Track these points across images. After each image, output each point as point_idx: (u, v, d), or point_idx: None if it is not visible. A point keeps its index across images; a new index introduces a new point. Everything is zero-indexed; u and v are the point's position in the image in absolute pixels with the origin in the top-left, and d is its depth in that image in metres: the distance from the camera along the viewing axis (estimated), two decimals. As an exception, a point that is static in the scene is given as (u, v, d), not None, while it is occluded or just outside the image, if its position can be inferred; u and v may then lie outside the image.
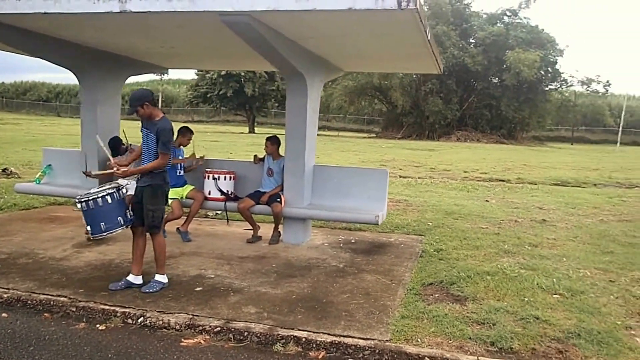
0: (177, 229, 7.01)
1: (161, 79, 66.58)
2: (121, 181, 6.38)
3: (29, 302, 4.69)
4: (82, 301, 4.64)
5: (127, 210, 4.99)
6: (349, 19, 4.86)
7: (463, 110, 47.40)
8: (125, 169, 5.06)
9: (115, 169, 5.06)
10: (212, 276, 5.44)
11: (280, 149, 7.14)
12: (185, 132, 7.17)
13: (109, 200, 4.83)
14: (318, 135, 7.49)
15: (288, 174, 6.86)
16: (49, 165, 8.42)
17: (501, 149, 34.19)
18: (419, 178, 14.68)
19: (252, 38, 5.38)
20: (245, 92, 47.67)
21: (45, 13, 5.20)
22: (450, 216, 8.81)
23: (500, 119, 47.07)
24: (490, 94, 46.69)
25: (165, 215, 6.93)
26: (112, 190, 4.87)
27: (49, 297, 4.73)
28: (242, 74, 46.43)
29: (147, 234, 5.08)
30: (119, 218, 4.88)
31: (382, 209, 6.73)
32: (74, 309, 4.56)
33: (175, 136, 7.10)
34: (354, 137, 44.20)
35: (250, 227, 7.11)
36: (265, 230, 7.12)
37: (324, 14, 4.70)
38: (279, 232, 6.99)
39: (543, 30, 46.89)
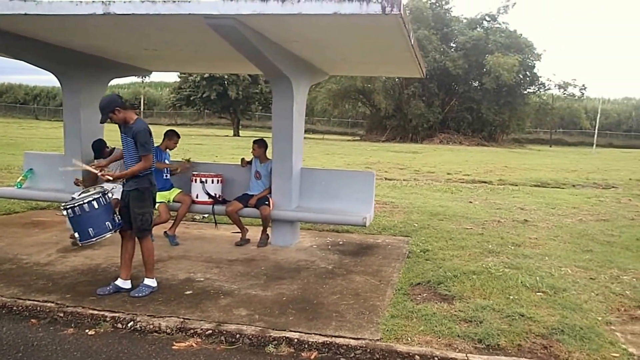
0: (165, 232, 7.00)
1: (143, 82, 66.22)
2: (106, 185, 6.39)
3: (14, 308, 4.64)
4: (69, 306, 4.62)
5: (115, 215, 4.96)
6: (334, 23, 4.92)
7: (445, 113, 47.86)
8: (110, 173, 5.04)
9: (99, 173, 5.04)
10: (202, 279, 5.45)
11: (267, 152, 7.18)
12: (172, 136, 7.17)
13: (96, 206, 4.80)
14: (303, 138, 7.53)
15: (276, 176, 6.89)
16: (31, 169, 8.33)
17: (482, 151, 34.52)
18: (404, 180, 14.79)
19: (237, 41, 5.41)
20: (229, 95, 47.58)
21: (25, 14, 5.15)
22: (436, 217, 8.91)
23: (481, 121, 47.60)
24: (471, 97, 47.23)
25: (155, 219, 6.97)
26: (98, 195, 4.84)
27: (36, 302, 4.69)
28: (226, 76, 46.36)
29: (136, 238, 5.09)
30: (107, 223, 4.85)
31: (369, 211, 6.79)
32: (61, 315, 4.54)
33: (161, 140, 7.13)
34: (339, 140, 44.32)
35: (239, 230, 7.13)
36: (254, 233, 7.14)
37: (309, 18, 4.75)
38: (267, 234, 7.02)
39: (521, 35, 47.68)
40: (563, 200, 11.34)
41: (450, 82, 47.86)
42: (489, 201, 11.06)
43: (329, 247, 6.99)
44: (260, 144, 7.14)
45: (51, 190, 7.91)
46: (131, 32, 6.07)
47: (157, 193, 6.43)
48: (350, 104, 54.45)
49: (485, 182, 14.83)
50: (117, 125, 4.96)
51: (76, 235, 4.87)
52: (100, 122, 5.04)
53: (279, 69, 6.21)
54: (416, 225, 8.31)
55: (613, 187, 14.31)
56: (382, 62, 7.35)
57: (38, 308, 4.61)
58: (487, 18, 49.67)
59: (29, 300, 4.73)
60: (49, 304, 4.66)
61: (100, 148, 7.22)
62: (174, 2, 4.78)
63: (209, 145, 27.53)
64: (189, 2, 4.80)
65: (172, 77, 64.51)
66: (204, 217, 8.58)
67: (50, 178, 8.14)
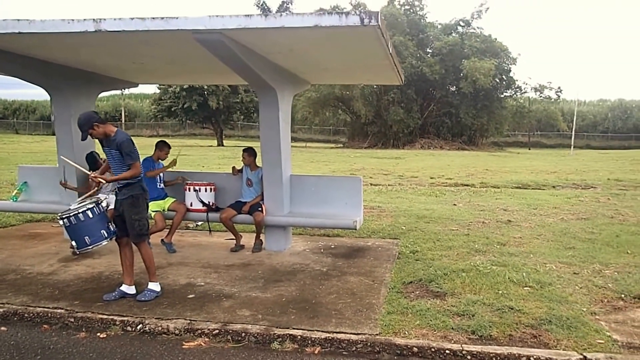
0: (162, 240, 7.18)
1: (122, 94, 65.90)
2: (100, 196, 6.58)
3: (25, 315, 4.82)
4: (79, 312, 4.80)
5: (110, 224, 5.15)
6: (315, 35, 5.14)
7: (424, 119, 48.44)
8: (102, 176, 5.24)
9: (91, 175, 5.28)
10: (202, 284, 5.65)
11: (257, 160, 7.39)
12: (163, 147, 7.35)
13: (90, 215, 5.00)
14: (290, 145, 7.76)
15: (267, 184, 7.10)
16: (25, 182, 8.46)
17: (463, 155, 35.01)
18: (389, 185, 15.08)
19: (224, 54, 5.62)
20: (210, 105, 47.59)
21: (19, 33, 5.32)
22: (422, 220, 9.19)
23: (460, 126, 48.26)
24: (449, 102, 47.86)
25: (151, 227, 7.15)
26: (92, 205, 5.04)
27: (46, 309, 4.87)
28: (205, 87, 46.44)
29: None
30: (102, 231, 5.04)
31: (358, 215, 7.04)
32: (72, 320, 4.71)
33: (152, 151, 7.32)
34: (322, 148, 44.60)
35: (233, 237, 7.33)
36: (247, 240, 7.35)
37: (291, 31, 4.99)
38: (261, 240, 7.23)
39: (496, 39, 48.30)
40: (544, 201, 11.71)
41: (427, 88, 48.43)
42: (473, 203, 11.38)
43: (322, 250, 7.21)
44: (250, 153, 7.35)
45: (47, 202, 8.08)
46: (120, 47, 6.22)
47: (152, 202, 6.70)
48: (330, 111, 54.79)
49: (467, 185, 15.18)
50: (98, 140, 5.14)
51: (73, 243, 5.06)
52: (82, 140, 5.10)
53: (264, 80, 6.42)
54: (404, 228, 8.57)
55: (592, 187, 14.74)
56: (362, 70, 7.61)
57: (49, 314, 4.78)
58: (462, 23, 50.36)
59: (39, 307, 4.90)
60: (59, 310, 4.83)
61: (94, 161, 7.37)
62: (162, 18, 4.99)
63: (195, 155, 27.62)
64: (177, 18, 5.01)
65: (151, 89, 64.43)
66: (197, 225, 8.76)
67: (44, 190, 8.30)
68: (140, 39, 5.57)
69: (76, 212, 4.98)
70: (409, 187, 14.88)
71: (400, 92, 46.44)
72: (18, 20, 5.21)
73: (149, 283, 5.25)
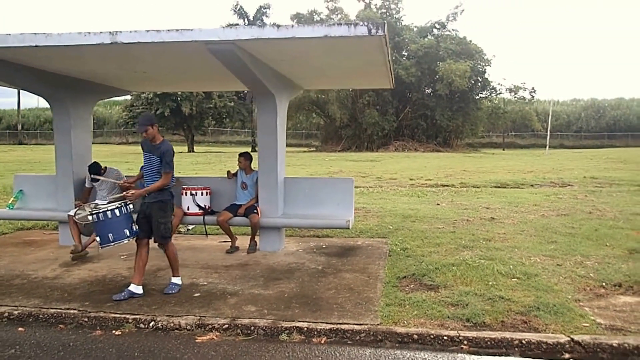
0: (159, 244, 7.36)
1: (90, 101, 65.01)
2: (100, 202, 6.89)
3: (40, 316, 5.01)
4: (92, 312, 5.00)
5: (133, 224, 5.46)
6: (323, 44, 5.46)
7: (399, 121, 48.85)
8: (134, 192, 5.54)
9: (124, 190, 5.66)
10: (205, 283, 5.88)
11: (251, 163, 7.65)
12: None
13: (117, 214, 5.36)
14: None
15: (263, 186, 7.36)
16: (21, 190, 8.58)
17: (439, 156, 35.53)
18: (369, 187, 15.40)
19: (233, 63, 5.91)
20: (183, 111, 47.39)
21: (36, 46, 5.54)
22: (408, 219, 9.51)
23: (435, 127, 48.81)
24: (425, 104, 48.35)
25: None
26: (120, 205, 5.39)
27: (59, 310, 5.07)
28: (179, 92, 46.31)
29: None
30: (125, 230, 5.40)
31: (350, 215, 7.33)
32: (86, 319, 4.91)
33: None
34: (295, 152, 44.76)
35: (226, 240, 7.58)
36: (240, 242, 7.58)
37: (301, 41, 5.30)
38: (255, 241, 7.47)
39: (471, 41, 48.92)
40: (524, 199, 12.14)
41: (403, 90, 48.87)
42: (455, 203, 11.76)
43: (314, 250, 7.47)
44: (246, 157, 7.61)
45: (43, 210, 8.21)
46: (127, 57, 6.46)
47: None
48: (303, 115, 55.04)
49: (447, 186, 15.58)
50: (140, 145, 5.62)
51: (97, 239, 5.37)
52: (136, 131, 5.56)
53: (266, 86, 6.72)
54: (391, 227, 8.88)
55: (569, 185, 15.26)
56: (358, 76, 7.94)
57: (63, 315, 4.98)
58: (437, 26, 50.92)
59: (52, 308, 5.10)
60: (72, 311, 5.03)
61: (96, 171, 7.54)
62: (177, 30, 5.25)
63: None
64: (192, 30, 5.28)
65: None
66: (188, 229, 8.96)
67: (39, 198, 8.43)
68: (152, 49, 5.81)
69: (104, 209, 5.32)
70: (390, 188, 15.22)
71: (376, 95, 46.84)
72: (35, 34, 5.44)
73: (173, 278, 5.62)
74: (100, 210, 5.34)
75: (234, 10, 51.44)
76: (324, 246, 7.71)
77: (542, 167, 22.23)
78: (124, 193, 5.60)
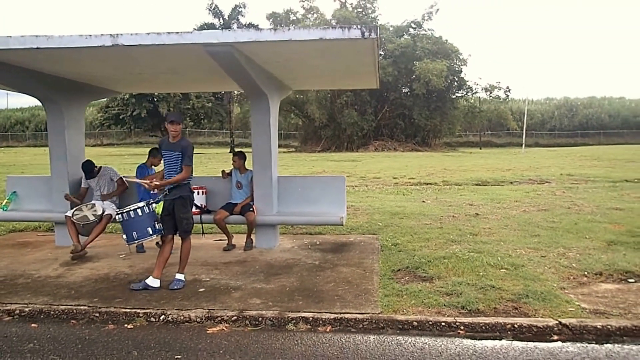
0: (157, 243, 7.53)
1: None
2: (97, 203, 7.14)
3: (51, 312, 5.17)
4: (102, 307, 5.18)
5: (156, 222, 5.79)
6: (317, 46, 5.70)
7: (378, 121, 49.26)
8: (157, 183, 5.86)
9: (150, 183, 5.95)
10: (208, 279, 6.09)
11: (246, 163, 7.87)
12: (156, 153, 7.73)
13: (140, 213, 5.76)
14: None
15: (258, 185, 7.57)
16: (14, 192, 8.66)
17: (419, 156, 36.00)
18: (355, 187, 15.67)
19: (230, 65, 6.12)
20: (160, 112, 47.06)
21: (37, 49, 5.68)
22: (396, 216, 9.81)
23: (413, 127, 49.33)
24: (403, 104, 48.87)
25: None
26: (143, 205, 5.77)
27: (69, 307, 5.23)
28: (156, 93, 46.07)
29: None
30: (148, 228, 5.76)
31: (343, 212, 7.58)
32: (97, 315, 5.09)
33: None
34: (275, 153, 44.75)
35: (221, 239, 7.80)
36: (235, 240, 7.77)
37: (297, 43, 5.53)
38: (252, 239, 7.68)
39: (447, 40, 49.40)
40: (505, 196, 12.53)
41: (381, 90, 49.01)
42: (440, 200, 12.10)
43: (309, 247, 7.71)
44: (240, 156, 7.83)
45: (37, 211, 8.31)
46: (126, 59, 6.62)
47: None
48: (282, 115, 55.17)
49: (430, 184, 15.92)
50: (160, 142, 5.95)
51: (124, 236, 5.79)
52: (173, 123, 5.72)
53: (259, 87, 6.93)
54: (380, 224, 9.17)
55: (547, 182, 15.71)
56: (347, 76, 8.20)
57: (74, 311, 5.15)
58: (413, 25, 51.19)
59: (62, 305, 5.26)
60: (82, 307, 5.21)
61: (90, 169, 7.69)
62: (177, 33, 5.46)
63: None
64: (191, 32, 5.50)
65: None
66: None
67: (33, 200, 8.52)
68: (151, 51, 5.98)
69: (129, 209, 5.70)
70: (375, 187, 15.52)
71: (354, 95, 47.13)
72: (36, 36, 5.57)
73: (177, 274, 5.86)
74: (124, 210, 5.74)
75: (209, 10, 51.20)
76: (317, 243, 7.96)
77: (519, 165, 22.76)
78: (147, 182, 5.94)
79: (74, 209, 7.44)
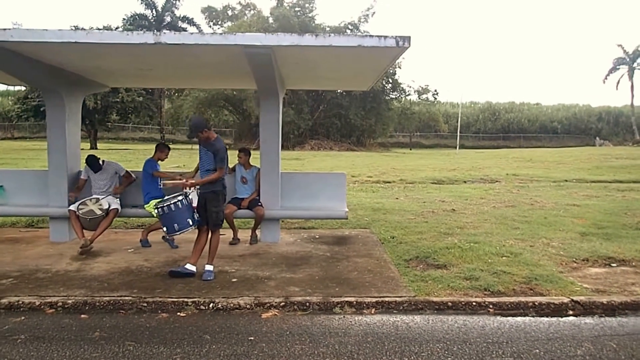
0: (163, 237, 7.70)
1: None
2: (99, 196, 7.27)
3: (96, 304, 5.26)
4: (147, 297, 5.35)
5: (195, 214, 6.03)
6: (351, 52, 6.05)
7: (314, 120, 49.87)
8: (193, 181, 6.15)
9: (185, 182, 6.18)
10: (233, 270, 6.35)
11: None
12: (163, 149, 7.89)
13: (180, 206, 5.93)
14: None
15: (265, 180, 7.86)
16: (1, 186, 8.49)
17: (358, 155, 36.82)
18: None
19: (262, 66, 6.39)
20: (87, 105, 44.86)
21: (76, 43, 5.73)
22: (379, 212, 10.34)
23: (349, 127, 50.31)
24: (339, 104, 49.65)
25: (152, 225, 7.71)
26: (181, 197, 5.98)
27: (112, 298, 5.35)
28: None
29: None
30: (188, 220, 5.97)
31: (344, 206, 8.01)
32: (145, 305, 5.25)
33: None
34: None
35: (223, 233, 8.00)
36: (229, 235, 7.92)
37: (335, 49, 5.87)
38: (256, 233, 7.97)
39: (383, 43, 50.45)
40: (469, 193, 13.36)
41: (317, 89, 49.93)
42: (411, 197, 12.74)
43: (311, 240, 8.08)
44: (246, 153, 8.11)
45: (28, 205, 8.16)
46: (144, 57, 6.71)
47: (153, 201, 7.34)
48: (214, 112, 54.77)
49: (389, 182, 16.53)
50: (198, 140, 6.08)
51: (164, 229, 6.02)
52: (188, 138, 6.07)
53: (276, 87, 7.25)
54: (367, 219, 9.66)
55: (497, 181, 16.71)
56: (348, 78, 8.56)
57: (120, 301, 5.28)
58: (350, 27, 52.03)
59: (105, 297, 5.37)
60: (126, 298, 5.35)
61: (94, 162, 7.73)
62: (221, 34, 5.72)
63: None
64: (235, 34, 5.77)
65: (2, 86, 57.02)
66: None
67: (22, 194, 8.32)
68: (186, 51, 6.10)
69: (168, 202, 5.89)
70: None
71: (292, 93, 47.41)
72: (75, 30, 5.64)
73: (207, 265, 6.08)
74: (164, 204, 5.92)
75: (142, 0, 49.96)
76: (316, 237, 8.32)
77: (461, 165, 23.87)
78: (183, 181, 6.20)
79: (78, 203, 7.46)
